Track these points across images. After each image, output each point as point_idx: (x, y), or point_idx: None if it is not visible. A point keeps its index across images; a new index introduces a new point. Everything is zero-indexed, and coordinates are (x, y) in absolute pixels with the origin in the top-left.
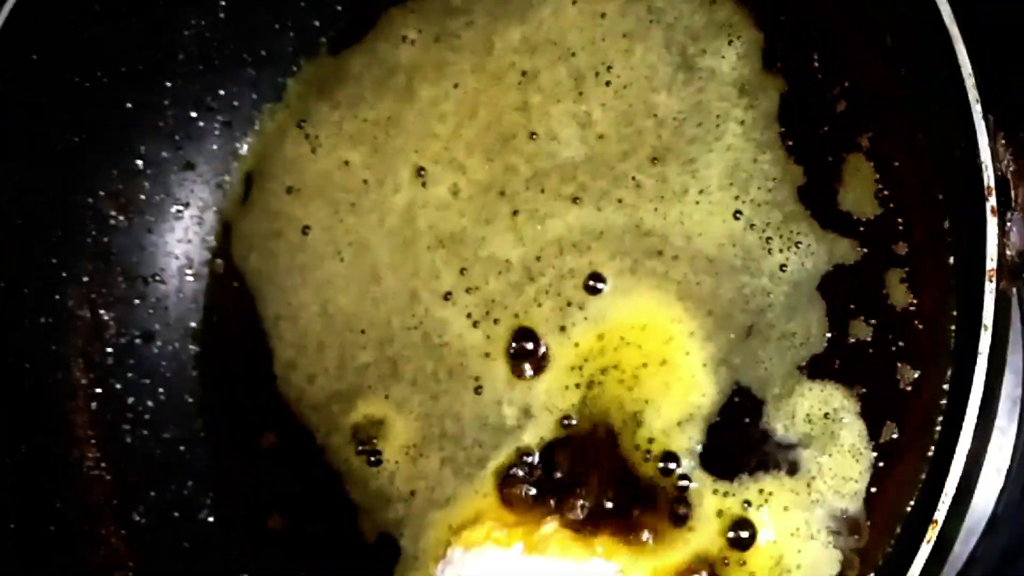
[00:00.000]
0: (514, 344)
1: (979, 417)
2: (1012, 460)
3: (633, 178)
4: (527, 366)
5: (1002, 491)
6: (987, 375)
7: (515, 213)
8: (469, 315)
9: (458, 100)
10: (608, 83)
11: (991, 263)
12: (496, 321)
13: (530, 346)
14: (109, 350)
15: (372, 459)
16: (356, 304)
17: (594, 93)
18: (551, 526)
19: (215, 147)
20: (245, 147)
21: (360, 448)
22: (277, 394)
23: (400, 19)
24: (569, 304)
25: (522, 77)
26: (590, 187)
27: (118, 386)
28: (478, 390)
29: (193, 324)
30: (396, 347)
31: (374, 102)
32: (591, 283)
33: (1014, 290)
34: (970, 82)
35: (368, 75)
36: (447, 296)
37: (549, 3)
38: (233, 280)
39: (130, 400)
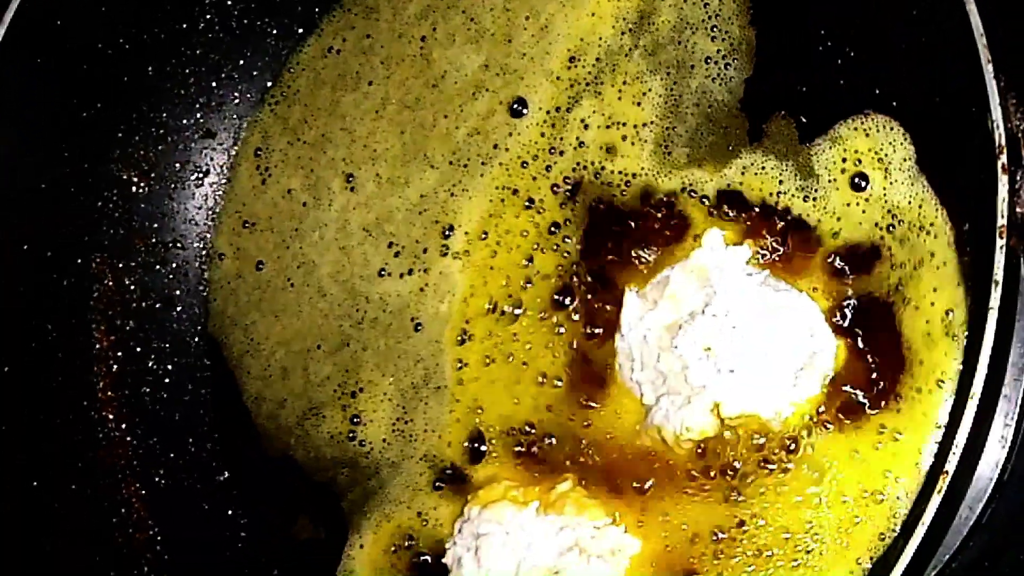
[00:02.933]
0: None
1: (989, 369)
2: (1016, 429)
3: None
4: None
5: (1007, 460)
6: (997, 330)
7: (426, 156)
8: (402, 274)
9: (373, 96)
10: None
11: (1001, 220)
12: (425, 251)
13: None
14: (130, 314)
15: (363, 449)
16: (309, 323)
17: (483, 13)
18: (566, 484)
19: (235, 116)
20: (262, 113)
21: (350, 442)
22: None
23: (329, 29)
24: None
25: (422, 43)
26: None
27: (139, 349)
28: (417, 327)
29: None
30: (352, 347)
31: (312, 122)
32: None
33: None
34: (982, 42)
35: (306, 94)
36: (381, 272)
37: None
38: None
39: (150, 363)
